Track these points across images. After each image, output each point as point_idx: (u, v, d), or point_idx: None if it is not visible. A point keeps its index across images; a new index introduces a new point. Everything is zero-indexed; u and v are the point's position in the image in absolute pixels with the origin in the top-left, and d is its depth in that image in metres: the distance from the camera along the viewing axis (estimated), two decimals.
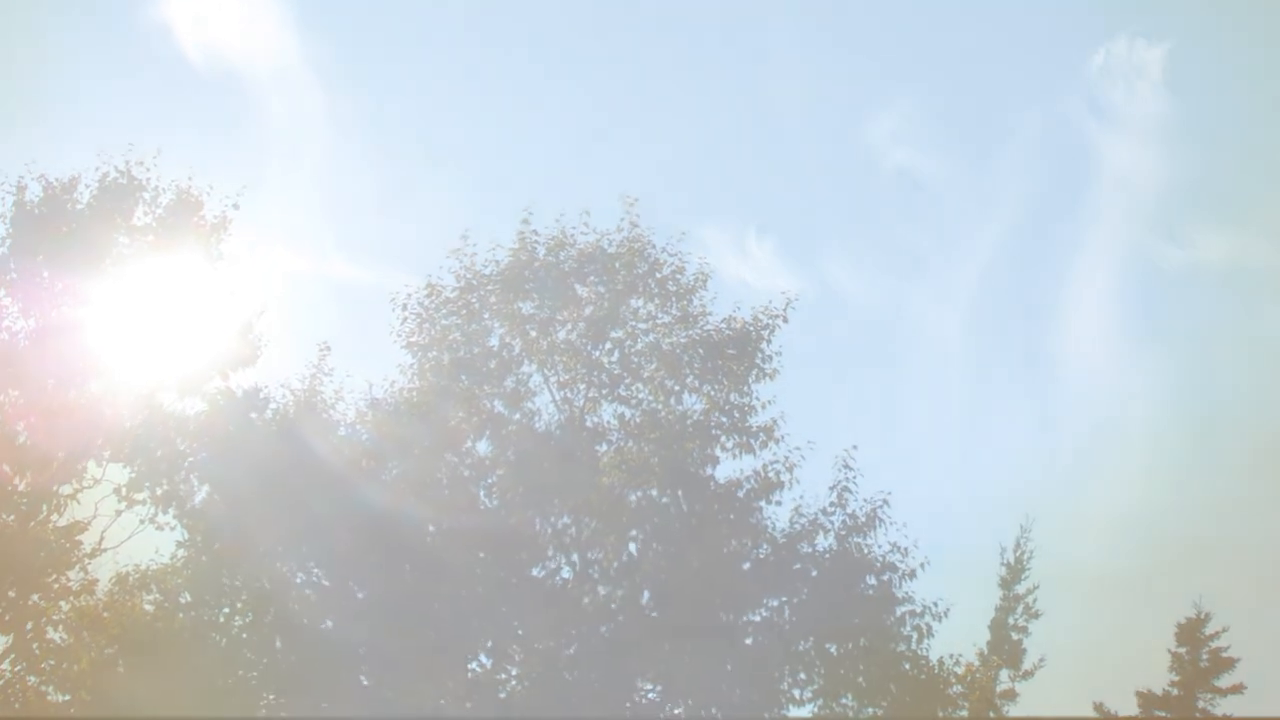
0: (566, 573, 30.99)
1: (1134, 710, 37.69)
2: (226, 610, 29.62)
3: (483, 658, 30.53)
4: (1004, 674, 34.66)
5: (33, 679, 28.03)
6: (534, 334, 31.97)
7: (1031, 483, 50.49)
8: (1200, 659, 36.97)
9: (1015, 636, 34.94)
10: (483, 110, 62.82)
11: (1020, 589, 35.43)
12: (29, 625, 27.96)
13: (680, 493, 30.88)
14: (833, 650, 30.41)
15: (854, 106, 62.83)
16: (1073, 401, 57.00)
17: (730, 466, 31.28)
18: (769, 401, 31.57)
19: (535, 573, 30.86)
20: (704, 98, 63.12)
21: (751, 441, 31.18)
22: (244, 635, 29.37)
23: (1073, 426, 55.98)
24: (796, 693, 30.30)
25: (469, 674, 30.25)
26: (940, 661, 30.98)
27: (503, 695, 29.93)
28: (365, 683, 29.64)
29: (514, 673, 30.38)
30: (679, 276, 32.09)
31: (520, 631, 30.37)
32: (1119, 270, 59.09)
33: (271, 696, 29.29)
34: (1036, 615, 35.22)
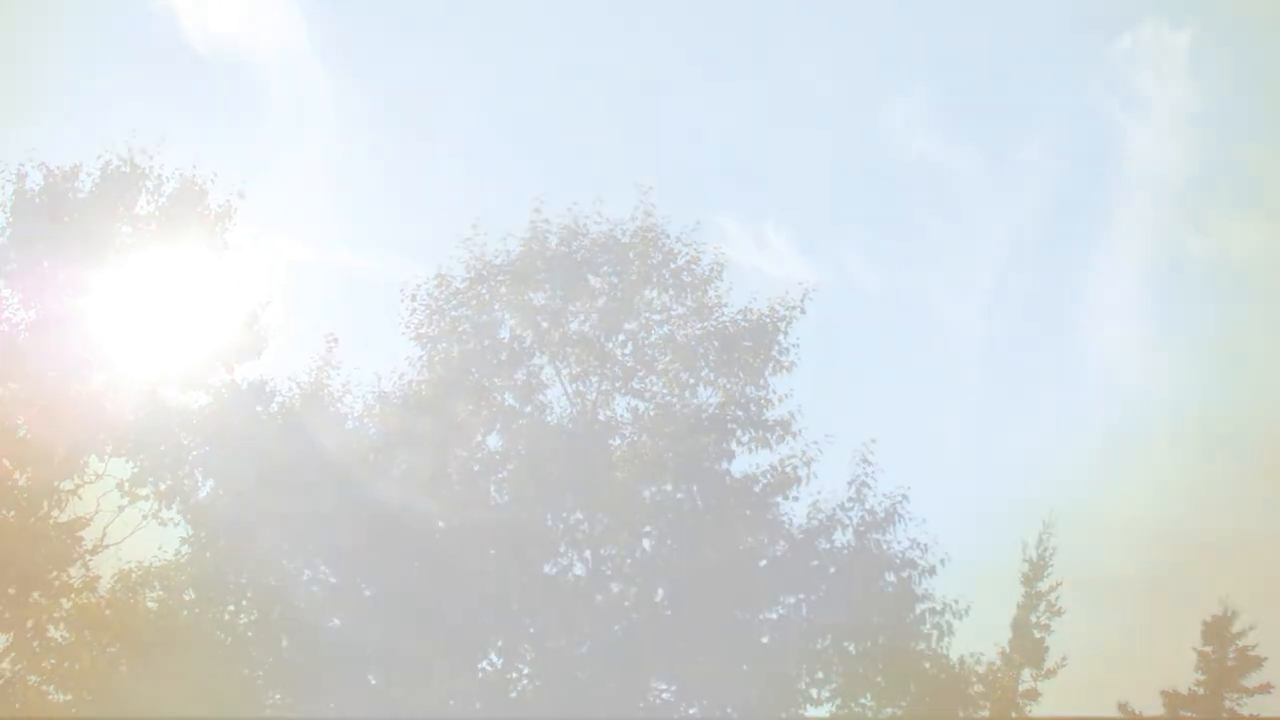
0: (579, 570, 30.75)
1: (1158, 710, 37.11)
2: (231, 608, 29.34)
3: (493, 657, 30.34)
4: (1026, 673, 34.06)
5: (33, 678, 27.60)
6: (545, 325, 31.63)
7: (1051, 478, 49.75)
8: (1227, 658, 36.40)
9: (1037, 635, 34.31)
10: (494, 96, 62.22)
11: (1043, 585, 34.79)
12: (29, 623, 27.52)
13: (695, 488, 30.69)
14: (851, 649, 30.24)
15: (872, 94, 62.12)
16: (1095, 395, 56.26)
17: (746, 461, 31.11)
18: (786, 395, 31.39)
19: (547, 570, 30.58)
20: (721, 84, 62.45)
21: (768, 435, 30.97)
22: (249, 634, 29.10)
23: (1094, 420, 55.26)
24: (814, 692, 30.23)
25: (479, 673, 29.98)
26: (961, 660, 30.56)
27: (514, 695, 29.70)
28: (373, 682, 29.42)
29: (525, 672, 30.14)
30: (694, 267, 31.79)
31: (532, 630, 30.16)
32: (1143, 261, 58.34)
33: (278, 696, 29.06)
34: (1059, 613, 34.57)
